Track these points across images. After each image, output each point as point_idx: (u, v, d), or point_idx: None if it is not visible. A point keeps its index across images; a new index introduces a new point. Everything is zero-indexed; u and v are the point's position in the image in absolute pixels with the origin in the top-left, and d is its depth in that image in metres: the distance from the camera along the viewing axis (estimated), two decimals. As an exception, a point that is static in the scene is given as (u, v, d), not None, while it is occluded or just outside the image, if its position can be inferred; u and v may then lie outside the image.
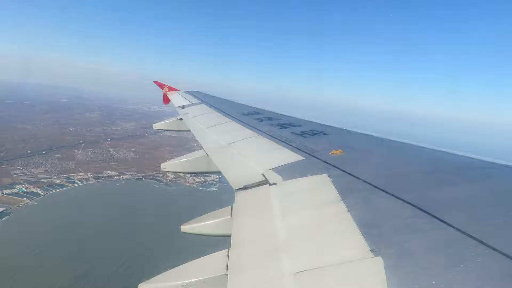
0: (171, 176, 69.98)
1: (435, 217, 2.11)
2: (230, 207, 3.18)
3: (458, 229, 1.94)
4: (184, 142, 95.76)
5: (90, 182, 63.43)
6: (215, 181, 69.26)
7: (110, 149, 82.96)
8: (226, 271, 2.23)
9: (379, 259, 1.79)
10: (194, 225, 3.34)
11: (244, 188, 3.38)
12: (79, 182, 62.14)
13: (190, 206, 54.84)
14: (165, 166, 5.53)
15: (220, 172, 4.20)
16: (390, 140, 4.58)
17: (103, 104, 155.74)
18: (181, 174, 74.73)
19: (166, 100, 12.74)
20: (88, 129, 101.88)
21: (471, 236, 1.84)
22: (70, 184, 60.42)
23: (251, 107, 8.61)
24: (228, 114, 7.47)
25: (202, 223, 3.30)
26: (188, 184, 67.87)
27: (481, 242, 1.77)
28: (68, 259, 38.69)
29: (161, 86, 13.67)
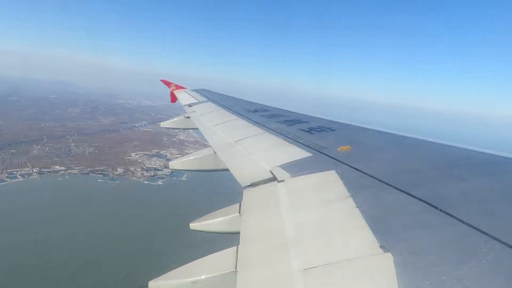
0: (119, 170, 68.87)
1: (445, 212, 2.08)
2: (238, 204, 3.19)
3: (469, 225, 1.90)
4: (157, 137, 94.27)
5: (33, 177, 60.51)
6: (164, 175, 67.58)
7: (72, 144, 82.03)
8: (236, 268, 2.25)
9: (388, 255, 1.78)
10: (203, 222, 3.40)
11: (252, 185, 3.39)
12: (20, 177, 59.33)
13: (116, 202, 53.24)
14: (173, 164, 5.57)
15: (228, 170, 4.18)
16: (398, 135, 4.53)
17: (91, 99, 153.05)
18: (131, 169, 73.63)
19: (173, 98, 12.71)
20: (61, 124, 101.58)
21: (482, 232, 1.81)
22: (9, 179, 57.72)
23: (258, 104, 8.60)
24: (235, 112, 7.49)
25: (211, 221, 3.34)
26: (134, 178, 65.76)
27: (493, 237, 1.75)
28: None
29: (168, 84, 13.52)
